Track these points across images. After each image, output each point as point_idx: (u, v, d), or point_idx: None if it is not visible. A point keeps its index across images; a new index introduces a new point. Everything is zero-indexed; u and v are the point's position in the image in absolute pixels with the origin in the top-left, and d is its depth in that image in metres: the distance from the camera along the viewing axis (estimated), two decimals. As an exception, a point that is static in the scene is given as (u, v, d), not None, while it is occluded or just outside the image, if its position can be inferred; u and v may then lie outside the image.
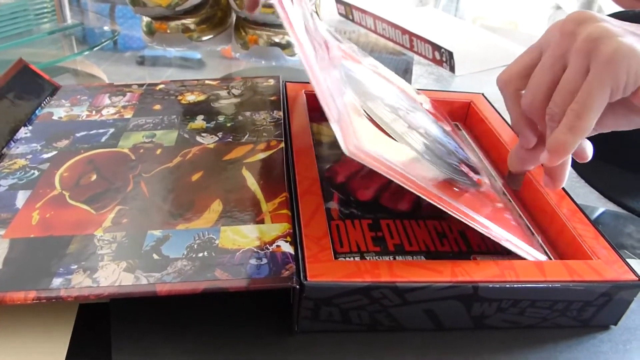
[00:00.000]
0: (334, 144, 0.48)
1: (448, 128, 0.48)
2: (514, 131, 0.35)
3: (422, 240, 0.37)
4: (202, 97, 0.51)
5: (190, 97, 0.51)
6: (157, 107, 0.49)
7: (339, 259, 0.34)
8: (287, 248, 0.33)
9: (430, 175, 0.34)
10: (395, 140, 0.35)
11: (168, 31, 0.70)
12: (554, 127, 0.33)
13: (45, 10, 0.77)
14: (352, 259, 0.35)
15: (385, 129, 0.36)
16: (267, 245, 0.33)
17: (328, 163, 0.45)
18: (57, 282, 0.30)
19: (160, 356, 0.31)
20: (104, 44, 0.76)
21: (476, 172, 0.41)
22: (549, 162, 0.33)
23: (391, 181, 0.43)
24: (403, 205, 0.41)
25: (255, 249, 0.33)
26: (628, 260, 0.35)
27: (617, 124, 0.35)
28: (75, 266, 0.31)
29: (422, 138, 0.38)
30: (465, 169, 0.39)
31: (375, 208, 0.40)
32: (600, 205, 0.50)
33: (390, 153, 0.30)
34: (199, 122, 0.47)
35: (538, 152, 0.37)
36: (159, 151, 0.43)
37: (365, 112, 0.35)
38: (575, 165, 0.55)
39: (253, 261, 0.32)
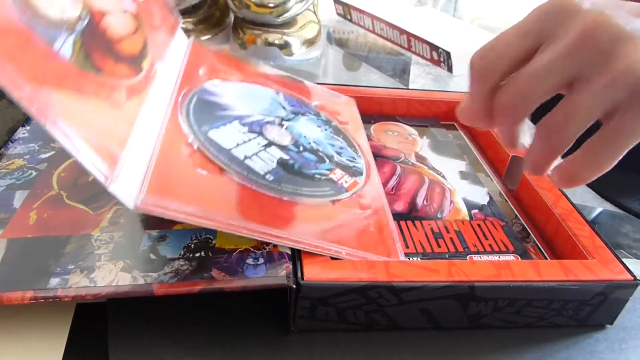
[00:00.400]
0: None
1: (342, 125, 0.47)
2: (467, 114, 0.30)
3: (418, 241, 0.37)
4: None
5: None
6: None
7: (335, 259, 0.34)
8: (283, 248, 0.33)
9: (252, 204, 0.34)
10: (225, 168, 0.35)
11: (166, 31, 0.70)
12: (543, 143, 0.27)
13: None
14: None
15: (220, 159, 0.36)
16: (264, 245, 0.33)
17: None
18: (54, 282, 0.30)
19: (157, 355, 0.31)
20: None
21: (356, 173, 0.40)
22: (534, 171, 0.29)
23: (388, 182, 0.43)
24: (399, 206, 0.41)
25: (252, 249, 0.33)
26: (624, 260, 0.35)
27: None
28: (73, 266, 0.31)
29: (279, 153, 0.39)
30: (337, 175, 0.39)
31: None
32: (597, 205, 0.51)
33: (188, 197, 0.32)
34: None
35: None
36: None
37: (199, 144, 0.36)
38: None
39: (250, 261, 0.32)
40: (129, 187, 0.30)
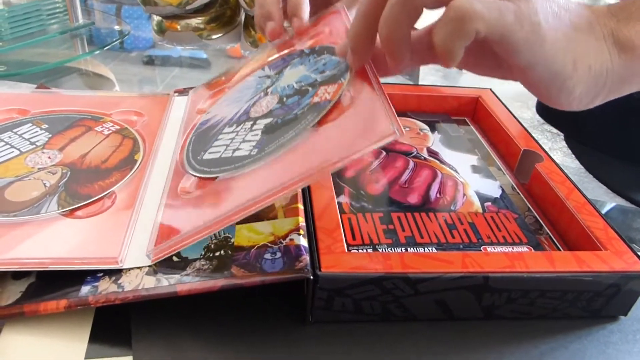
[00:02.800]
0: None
1: (330, 42, 0.42)
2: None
3: (432, 232, 0.38)
4: None
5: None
6: None
7: (352, 251, 0.35)
8: (300, 241, 0.33)
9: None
10: (217, 175, 0.36)
11: (179, 29, 0.71)
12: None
13: (58, 10, 0.78)
14: (364, 251, 0.35)
15: (211, 172, 0.37)
16: (281, 240, 0.34)
17: None
18: (85, 290, 0.32)
19: (178, 345, 0.31)
20: (115, 42, 0.77)
21: (340, 75, 0.37)
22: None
23: (401, 175, 0.44)
24: (413, 199, 0.41)
25: (269, 244, 0.33)
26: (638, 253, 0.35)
27: (487, 71, 0.35)
28: (102, 273, 0.33)
29: (264, 122, 0.38)
30: (320, 96, 0.36)
31: (386, 202, 0.41)
32: (609, 200, 0.51)
33: (192, 221, 0.34)
34: None
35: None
36: None
37: (196, 172, 0.38)
38: (583, 160, 0.56)
39: (268, 256, 0.32)
40: (138, 252, 0.34)
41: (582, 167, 0.55)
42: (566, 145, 0.58)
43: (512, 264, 0.33)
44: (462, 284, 0.32)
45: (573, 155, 0.56)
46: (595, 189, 0.52)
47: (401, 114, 0.55)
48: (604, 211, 0.49)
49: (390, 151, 0.47)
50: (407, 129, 0.52)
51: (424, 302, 0.33)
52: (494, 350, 0.33)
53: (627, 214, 0.50)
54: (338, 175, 0.43)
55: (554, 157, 0.45)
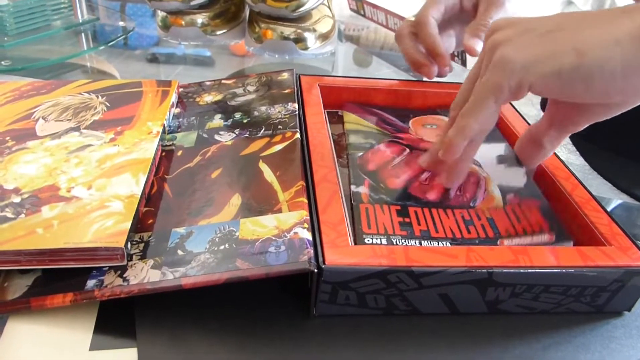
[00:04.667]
0: (365, 132, 0.49)
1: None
2: None
3: (448, 227, 0.38)
4: (219, 97, 0.52)
5: (208, 98, 0.52)
6: (177, 110, 0.50)
7: (366, 239, 0.35)
8: (304, 234, 0.33)
9: None
10: None
11: (183, 24, 0.71)
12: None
13: (62, 6, 0.78)
14: (378, 240, 0.35)
15: None
16: (285, 233, 0.34)
17: (360, 150, 0.45)
18: (90, 283, 0.32)
19: (183, 336, 0.32)
20: (120, 38, 0.77)
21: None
22: (442, 157, 0.37)
23: (421, 172, 0.43)
24: (431, 196, 0.41)
25: (273, 238, 0.33)
26: (642, 249, 0.35)
27: (589, 117, 0.37)
28: (107, 267, 0.33)
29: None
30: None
31: (405, 196, 0.41)
32: (613, 197, 0.51)
33: None
34: (217, 121, 0.48)
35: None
36: (180, 153, 0.44)
37: None
38: (588, 157, 0.55)
39: (272, 249, 0.32)
40: None
41: (586, 164, 0.55)
42: (571, 142, 0.58)
43: (516, 259, 0.33)
44: (466, 278, 0.32)
45: (577, 153, 0.56)
46: (599, 186, 0.52)
47: (432, 111, 0.55)
48: (609, 208, 0.49)
49: (414, 148, 0.47)
50: (435, 126, 0.51)
51: (427, 296, 0.33)
52: (498, 344, 0.33)
53: (632, 211, 0.50)
54: (360, 167, 0.43)
55: (559, 154, 0.45)
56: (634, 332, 0.35)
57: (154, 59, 0.80)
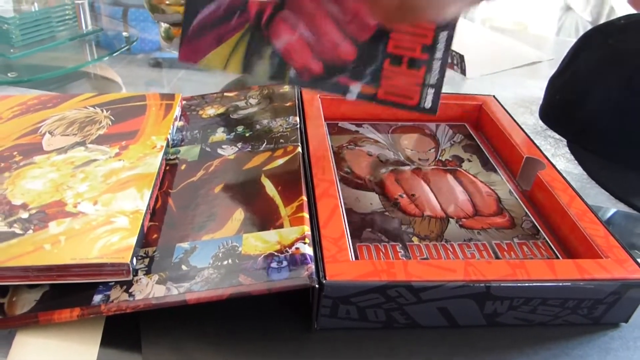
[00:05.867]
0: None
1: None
2: None
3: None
4: (221, 110, 0.53)
5: (211, 111, 0.53)
6: (181, 123, 0.51)
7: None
8: (305, 250, 0.34)
9: None
10: None
11: (186, 37, 0.72)
12: None
13: (67, 17, 0.79)
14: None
15: None
16: (287, 248, 0.34)
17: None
18: (97, 298, 0.33)
19: (187, 350, 0.32)
20: (124, 48, 0.78)
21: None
22: None
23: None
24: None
25: (276, 253, 0.34)
26: (639, 260, 0.36)
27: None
28: (113, 282, 0.33)
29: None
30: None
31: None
32: (610, 205, 0.51)
33: None
34: (220, 134, 0.48)
35: None
36: (183, 167, 0.45)
37: None
38: (586, 166, 0.56)
39: (274, 264, 0.33)
40: None
41: (584, 173, 0.55)
42: (569, 152, 0.58)
43: (514, 272, 0.33)
44: (464, 292, 0.33)
45: (576, 162, 0.57)
46: (597, 195, 0.52)
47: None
48: (606, 217, 0.50)
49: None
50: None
51: (427, 310, 0.34)
52: (497, 357, 0.34)
53: (630, 219, 0.50)
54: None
55: (557, 164, 0.46)
56: (630, 343, 0.35)
57: (156, 64, 0.81)
